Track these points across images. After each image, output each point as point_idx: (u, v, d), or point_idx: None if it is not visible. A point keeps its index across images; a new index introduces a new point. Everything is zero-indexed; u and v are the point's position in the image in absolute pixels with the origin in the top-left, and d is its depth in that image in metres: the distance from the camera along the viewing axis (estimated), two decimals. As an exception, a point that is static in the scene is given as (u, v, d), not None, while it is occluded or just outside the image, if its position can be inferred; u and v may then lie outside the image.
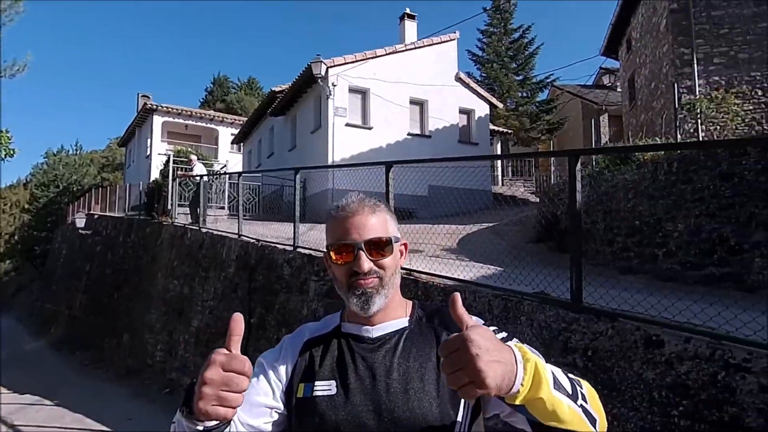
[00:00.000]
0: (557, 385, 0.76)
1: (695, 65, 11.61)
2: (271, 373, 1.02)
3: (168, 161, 13.09)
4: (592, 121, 12.84)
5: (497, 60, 22.20)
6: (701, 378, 2.61)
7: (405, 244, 1.10)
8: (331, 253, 1.03)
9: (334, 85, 13.64)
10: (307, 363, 1.03)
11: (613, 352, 2.98)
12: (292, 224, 6.45)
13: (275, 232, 7.46)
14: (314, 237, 6.13)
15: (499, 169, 18.83)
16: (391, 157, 8.58)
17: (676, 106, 11.02)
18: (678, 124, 10.93)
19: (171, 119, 24.43)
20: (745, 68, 11.42)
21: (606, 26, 16.95)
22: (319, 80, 13.48)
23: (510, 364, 0.72)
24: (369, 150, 13.61)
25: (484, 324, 0.95)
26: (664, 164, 6.43)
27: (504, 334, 0.90)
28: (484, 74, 22.54)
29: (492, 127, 18.11)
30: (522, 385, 0.72)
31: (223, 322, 7.19)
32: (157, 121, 24.13)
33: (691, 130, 10.81)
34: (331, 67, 13.63)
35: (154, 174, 19.10)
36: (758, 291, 4.93)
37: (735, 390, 2.49)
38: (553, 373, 0.78)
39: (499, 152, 19.32)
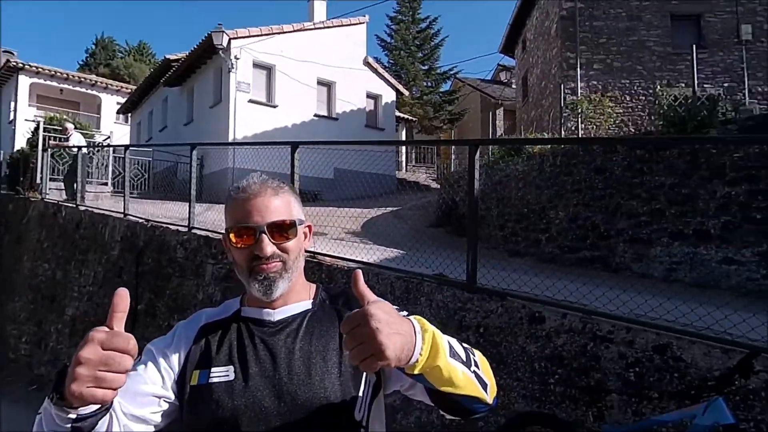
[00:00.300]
0: (453, 353, 0.81)
1: (578, 69, 12.82)
2: (161, 360, 0.96)
3: (37, 129, 11.50)
4: (490, 114, 13.64)
5: (405, 48, 22.58)
6: (574, 349, 2.94)
7: (309, 227, 1.07)
8: (231, 236, 0.97)
9: (237, 59, 12.91)
10: (202, 349, 0.98)
11: (502, 329, 3.23)
12: (188, 204, 6.05)
13: (168, 212, 6.95)
14: (212, 218, 5.81)
15: (404, 156, 19.32)
16: (296, 137, 8.38)
17: (562, 105, 12.12)
18: (562, 121, 12.03)
19: (42, 81, 21.41)
20: (618, 75, 12.86)
21: (505, 25, 18.02)
22: (221, 52, 12.66)
23: (409, 335, 0.74)
24: (273, 129, 13.15)
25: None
26: (549, 157, 7.04)
27: (405, 313, 0.92)
28: (391, 61, 22.81)
29: (398, 113, 18.45)
30: (421, 354, 0.75)
31: (105, 309, 6.54)
32: (24, 82, 21.01)
33: (573, 128, 11.97)
34: (234, 38, 12.86)
35: (20, 143, 16.69)
36: (621, 272, 5.65)
37: (600, 358, 2.84)
38: (449, 342, 0.82)
39: (404, 139, 19.78)
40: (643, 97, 12.61)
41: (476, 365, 0.86)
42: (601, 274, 4.91)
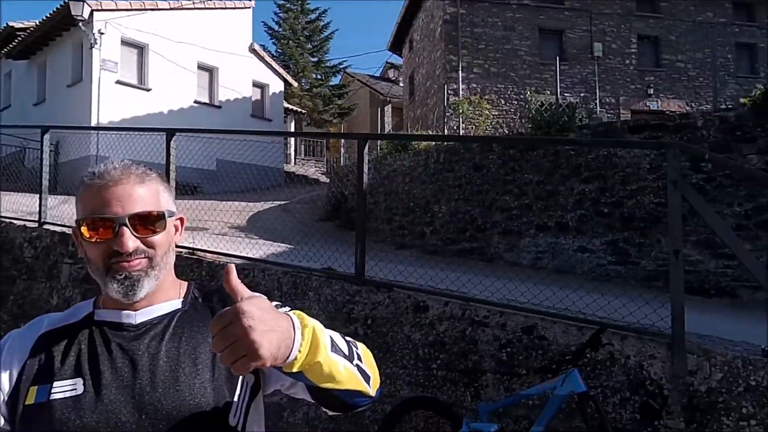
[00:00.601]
0: (335, 347, 0.78)
1: (460, 72, 13.64)
2: None
3: None
4: (378, 110, 13.92)
5: (293, 38, 22.07)
6: (454, 334, 3.11)
7: (181, 219, 0.97)
8: (83, 229, 0.85)
9: (102, 33, 11.52)
10: (42, 361, 0.84)
11: (389, 319, 3.30)
12: (38, 196, 5.26)
13: (12, 205, 6.01)
14: (69, 211, 5.11)
15: (292, 148, 18.91)
16: (173, 124, 7.72)
17: (445, 104, 12.79)
18: (445, 120, 12.71)
19: None
20: (494, 80, 13.94)
21: (394, 23, 18.50)
22: (81, 24, 11.19)
23: (287, 331, 0.70)
24: (146, 114, 11.99)
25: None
26: (434, 154, 7.39)
27: (287, 308, 0.87)
28: (279, 50, 22.16)
29: (286, 104, 18.00)
30: (299, 351, 0.71)
31: (-73, 321, 5.46)
32: None
33: (455, 127, 12.72)
34: (97, 10, 11.44)
35: None
36: (495, 261, 6.14)
37: (477, 341, 3.04)
38: (330, 336, 0.79)
39: (292, 131, 19.35)
40: (516, 102, 13.82)
41: (359, 358, 0.84)
42: (478, 264, 5.28)
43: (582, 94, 13.81)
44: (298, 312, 0.77)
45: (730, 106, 9.87)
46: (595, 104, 13.55)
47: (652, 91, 14.30)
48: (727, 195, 5.09)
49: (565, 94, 12.88)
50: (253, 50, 15.37)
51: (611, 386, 2.70)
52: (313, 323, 0.76)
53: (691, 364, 2.58)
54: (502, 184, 6.53)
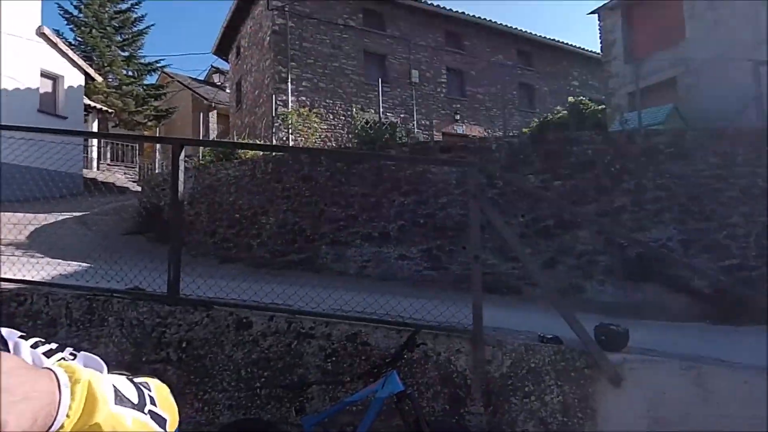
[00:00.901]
0: (119, 398, 0.64)
1: (289, 84, 13.61)
2: None
3: None
4: (201, 115, 13.03)
5: (98, 26, 19.30)
6: (280, 349, 3.02)
7: None
8: None
9: None
10: None
11: (207, 340, 3.04)
12: None
13: None
14: None
15: (95, 152, 16.41)
16: None
17: (274, 115, 12.60)
18: (274, 131, 12.51)
19: None
20: (323, 95, 14.26)
21: (220, 27, 17.57)
22: None
23: (47, 394, 0.55)
24: None
25: (32, 338, 0.72)
26: (261, 164, 7.19)
27: (52, 346, 0.70)
28: (80, 38, 19.15)
29: (87, 101, 15.59)
30: (68, 416, 0.56)
31: None
32: None
33: (284, 138, 12.60)
34: None
35: None
36: (323, 271, 6.21)
37: (303, 354, 3.00)
38: (114, 386, 0.64)
39: (95, 131, 16.80)
40: (343, 118, 14.35)
41: (152, 401, 0.70)
42: (307, 275, 5.27)
43: (402, 115, 15.02)
44: (67, 364, 0.61)
45: (515, 134, 11.84)
46: (413, 125, 14.87)
47: (458, 117, 16.33)
48: (513, 207, 6.05)
49: (388, 114, 13.85)
50: (42, 34, 12.97)
51: (425, 382, 2.93)
52: (89, 376, 0.60)
53: (488, 354, 2.95)
54: (330, 195, 6.67)
